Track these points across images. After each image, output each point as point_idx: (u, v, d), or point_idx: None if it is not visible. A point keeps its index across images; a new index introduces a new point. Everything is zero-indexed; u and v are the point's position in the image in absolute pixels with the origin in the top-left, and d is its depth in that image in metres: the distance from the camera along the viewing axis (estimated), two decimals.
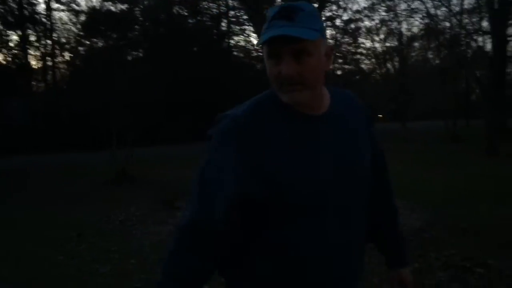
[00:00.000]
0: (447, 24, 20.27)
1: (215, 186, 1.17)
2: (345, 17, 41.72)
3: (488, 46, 21.42)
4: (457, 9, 21.33)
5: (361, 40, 40.95)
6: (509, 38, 24.10)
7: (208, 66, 28.78)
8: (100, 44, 23.96)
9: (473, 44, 21.13)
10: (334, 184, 1.19)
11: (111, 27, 23.97)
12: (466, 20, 20.95)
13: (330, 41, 43.45)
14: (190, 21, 33.53)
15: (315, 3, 8.77)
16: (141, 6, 28.99)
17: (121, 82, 11.17)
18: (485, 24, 21.30)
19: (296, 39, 1.10)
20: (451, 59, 21.44)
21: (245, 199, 1.15)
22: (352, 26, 42.05)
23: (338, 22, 42.17)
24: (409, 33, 30.56)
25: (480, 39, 22.38)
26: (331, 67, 1.23)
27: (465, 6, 22.26)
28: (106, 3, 27.37)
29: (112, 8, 27.70)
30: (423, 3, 20.81)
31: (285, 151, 1.16)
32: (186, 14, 33.18)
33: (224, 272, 1.30)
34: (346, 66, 46.03)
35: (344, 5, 40.82)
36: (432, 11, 19.96)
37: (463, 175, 9.83)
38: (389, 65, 33.57)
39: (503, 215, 5.92)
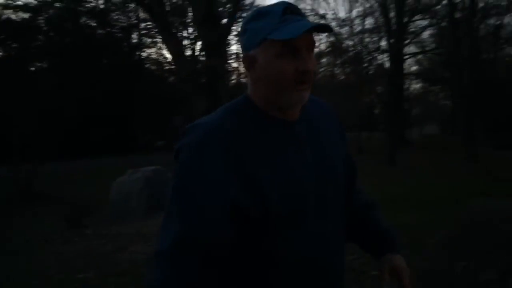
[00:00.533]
0: (350, 42, 21.53)
1: (204, 198, 1.07)
2: None
3: (387, 64, 22.99)
4: (359, 28, 22.69)
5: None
6: (405, 57, 26.12)
7: (119, 78, 28.01)
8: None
9: (374, 61, 22.60)
10: (315, 189, 1.17)
11: (11, 36, 22.54)
12: (368, 39, 22.37)
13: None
14: (99, 31, 32.46)
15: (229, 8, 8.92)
16: (45, 15, 27.58)
17: (23, 92, 10.53)
18: (384, 43, 22.86)
19: (326, 28, 1.11)
20: (354, 75, 22.75)
21: (234, 207, 1.08)
22: None
23: None
24: (317, 49, 31.99)
25: (380, 57, 24.01)
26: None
27: (366, 26, 23.74)
28: (6, 11, 25.67)
29: (13, 17, 26.05)
30: (326, 20, 21.86)
31: (266, 156, 1.11)
32: (94, 24, 32.10)
33: None
34: None
35: None
36: (337, 29, 21.11)
37: (363, 184, 10.39)
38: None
39: (400, 222, 6.34)
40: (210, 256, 1.07)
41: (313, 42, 1.11)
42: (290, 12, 1.10)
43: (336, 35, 20.63)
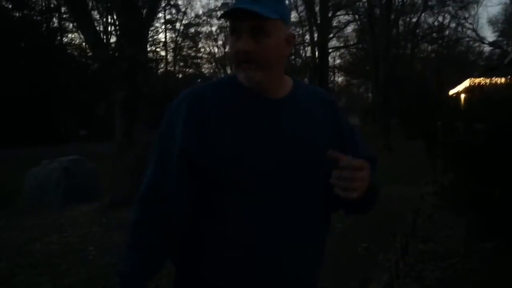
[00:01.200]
0: None
1: (166, 143, 1.22)
2: (185, 21, 42.04)
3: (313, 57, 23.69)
4: None
5: (201, 44, 41.68)
6: (330, 50, 27.02)
7: (38, 64, 26.58)
8: None
9: (302, 54, 23.23)
10: (279, 169, 1.18)
11: None
12: (294, 32, 22.88)
13: (171, 44, 43.62)
14: (15, 14, 30.53)
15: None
16: None
17: None
18: (308, 37, 23.54)
19: (254, 15, 1.12)
20: None
21: (191, 158, 1.18)
22: (192, 30, 43.05)
23: (178, 25, 42.95)
24: None
25: (305, 49, 24.70)
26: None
27: (292, 20, 24.26)
28: None
29: None
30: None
31: (231, 127, 1.18)
32: (9, 6, 30.13)
33: (175, 257, 1.30)
34: (187, 70, 46.83)
35: (184, 9, 41.76)
36: None
37: None
38: (228, 70, 34.94)
39: None
40: (171, 203, 1.20)
41: (256, 25, 1.14)
42: None
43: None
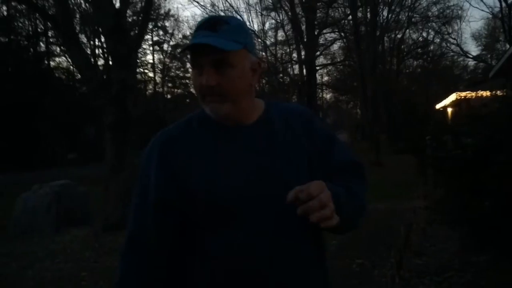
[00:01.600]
0: (263, 54, 22.13)
1: (143, 194, 1.21)
2: (172, 42, 42.32)
3: (300, 74, 23.91)
4: (272, 40, 23.47)
5: (189, 65, 41.82)
6: (317, 68, 27.29)
7: (25, 89, 26.47)
8: None
9: (287, 72, 23.42)
10: (248, 194, 1.16)
11: None
12: (280, 51, 23.13)
13: (159, 66, 43.78)
14: (1, 39, 30.49)
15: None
16: None
17: None
18: (295, 55, 23.79)
19: (216, 49, 1.10)
20: (269, 85, 23.39)
21: (167, 205, 1.18)
22: (180, 51, 43.19)
23: (165, 47, 43.21)
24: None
25: (293, 67, 24.93)
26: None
27: (279, 38, 24.58)
28: None
29: None
30: None
31: (203, 163, 1.18)
32: None
33: None
34: (176, 90, 46.93)
35: (171, 31, 42.07)
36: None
37: None
38: None
39: None
40: (152, 253, 1.18)
41: (218, 59, 1.13)
42: (203, 28, 1.15)
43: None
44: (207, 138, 1.22)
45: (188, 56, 1.22)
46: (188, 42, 1.27)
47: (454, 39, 33.19)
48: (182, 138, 1.23)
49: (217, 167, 1.18)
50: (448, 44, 33.81)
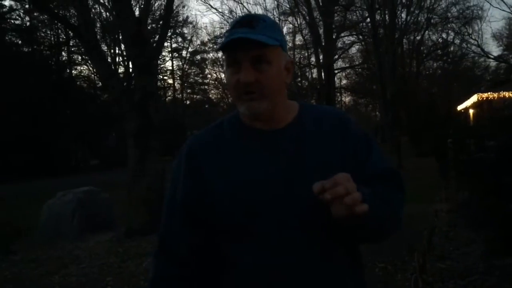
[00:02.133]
0: None
1: (173, 198, 1.23)
2: (191, 48, 42.71)
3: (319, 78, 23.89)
4: (290, 44, 23.47)
5: (207, 71, 42.23)
6: (336, 71, 27.19)
7: (48, 98, 27.00)
8: None
9: (306, 76, 23.40)
10: (274, 205, 1.13)
11: None
12: (298, 55, 23.12)
13: (178, 72, 44.22)
14: (25, 49, 31.20)
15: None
16: None
17: None
18: (313, 59, 23.77)
19: (256, 44, 1.09)
20: (288, 90, 23.36)
21: (193, 211, 1.19)
22: (198, 57, 43.67)
23: (184, 53, 43.62)
24: None
25: (312, 71, 24.92)
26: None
27: (297, 42, 24.60)
28: None
29: None
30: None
31: (227, 167, 1.17)
32: (19, 42, 30.83)
33: None
34: (195, 96, 47.33)
35: (190, 37, 42.46)
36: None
37: None
38: None
39: None
40: (182, 255, 1.20)
41: (257, 54, 1.12)
42: (240, 25, 1.13)
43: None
44: (237, 144, 1.21)
45: (220, 55, 1.21)
46: (219, 43, 1.24)
47: (475, 39, 32.64)
48: (211, 144, 1.22)
49: (244, 176, 1.16)
50: (469, 45, 33.29)
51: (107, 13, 22.64)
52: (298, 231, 1.13)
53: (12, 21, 30.48)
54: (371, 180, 1.18)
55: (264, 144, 1.19)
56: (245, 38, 1.09)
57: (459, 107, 20.77)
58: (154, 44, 8.74)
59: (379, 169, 1.24)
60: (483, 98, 16.71)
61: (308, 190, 1.08)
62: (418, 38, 30.73)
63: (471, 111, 19.07)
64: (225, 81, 1.27)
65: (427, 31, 29.92)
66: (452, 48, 35.05)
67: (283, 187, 1.14)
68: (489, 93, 16.98)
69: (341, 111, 1.36)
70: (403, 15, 22.62)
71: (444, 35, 33.01)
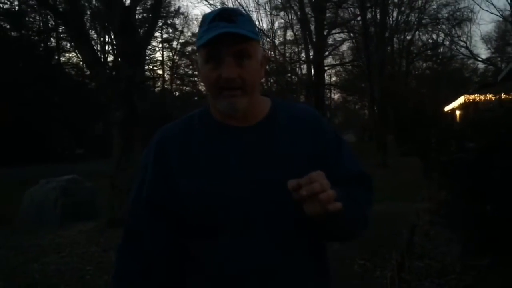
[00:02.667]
0: (272, 53, 22.12)
1: (139, 190, 1.20)
2: (181, 39, 42.42)
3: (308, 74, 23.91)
4: (281, 39, 23.47)
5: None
6: (325, 68, 27.21)
7: (35, 84, 26.69)
8: None
9: (298, 71, 23.39)
10: (242, 201, 1.12)
11: None
12: (289, 51, 23.09)
13: (168, 63, 43.92)
14: (13, 34, 30.76)
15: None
16: None
17: None
18: (303, 54, 23.77)
19: (240, 39, 1.07)
20: (277, 85, 23.38)
21: (158, 205, 1.16)
22: (189, 48, 43.42)
23: (174, 44, 43.34)
24: None
25: (301, 67, 24.93)
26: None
27: (288, 38, 24.56)
28: None
29: None
30: None
31: (195, 162, 1.15)
32: (8, 27, 30.39)
33: None
34: (184, 88, 47.09)
35: (180, 28, 42.17)
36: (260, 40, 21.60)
37: None
38: None
39: None
40: (147, 248, 1.16)
41: (241, 49, 1.09)
42: (219, 19, 1.09)
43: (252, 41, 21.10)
44: (206, 138, 1.18)
45: (195, 51, 1.18)
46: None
47: (464, 41, 32.97)
48: (180, 138, 1.20)
49: (212, 171, 1.14)
50: (458, 47, 33.61)
51: (97, 1, 22.41)
52: (264, 230, 1.12)
53: (1, 6, 30.02)
54: (342, 181, 1.17)
55: (235, 141, 1.17)
56: (230, 33, 1.06)
57: (447, 108, 20.95)
58: (143, 34, 8.66)
59: (350, 171, 1.24)
60: (469, 99, 16.87)
61: (276, 189, 1.09)
62: (409, 38, 30.91)
63: (457, 112, 19.25)
64: None
65: (417, 31, 30.12)
66: (441, 49, 35.32)
67: (251, 186, 1.13)
68: (476, 95, 17.15)
69: (313, 110, 1.33)
70: (394, 14, 22.75)
71: (434, 36, 33.25)
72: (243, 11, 1.26)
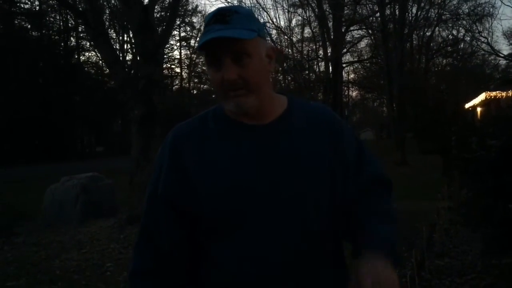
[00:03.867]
0: (289, 51, 22.07)
1: (155, 188, 1.19)
2: (199, 38, 42.61)
3: (327, 72, 23.80)
4: (299, 37, 23.37)
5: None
6: (343, 65, 27.04)
7: (55, 83, 27.13)
8: None
9: (316, 69, 23.30)
10: (257, 200, 1.11)
11: None
12: (307, 48, 23.00)
13: (186, 61, 44.18)
14: (34, 34, 31.29)
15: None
16: None
17: None
18: (321, 52, 23.63)
19: (232, 40, 1.07)
20: (294, 82, 23.31)
21: (173, 203, 1.16)
22: None
23: (192, 42, 43.56)
24: None
25: (321, 64, 24.80)
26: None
27: (306, 35, 24.45)
28: None
29: None
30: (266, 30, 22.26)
31: (209, 160, 1.15)
32: (29, 26, 30.92)
33: None
34: (202, 86, 47.34)
35: (198, 26, 42.37)
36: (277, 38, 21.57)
37: None
38: None
39: None
40: (163, 246, 1.16)
41: (236, 50, 1.09)
42: (214, 21, 1.10)
43: (275, 42, 21.11)
44: (220, 136, 1.18)
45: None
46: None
47: (485, 37, 32.41)
48: (194, 136, 1.19)
49: (227, 170, 1.13)
50: (479, 43, 33.04)
51: (116, 0, 22.64)
52: (284, 230, 1.12)
53: (22, 6, 30.55)
54: (368, 188, 1.22)
55: (250, 139, 1.17)
56: (223, 37, 1.06)
57: (467, 105, 20.67)
58: (162, 32, 8.72)
59: (372, 175, 1.26)
60: (491, 96, 16.61)
61: (295, 188, 1.12)
62: (428, 34, 30.52)
63: (478, 109, 18.96)
64: None
65: (437, 27, 29.71)
66: (462, 45, 34.79)
67: (269, 184, 1.12)
68: (497, 91, 16.87)
69: (330, 110, 1.32)
70: (414, 10, 22.46)
71: (454, 32, 32.76)
72: (243, 6, 1.24)
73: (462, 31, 32.06)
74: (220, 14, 1.12)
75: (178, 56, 43.76)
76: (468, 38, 32.83)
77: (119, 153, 26.84)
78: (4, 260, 5.57)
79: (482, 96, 17.80)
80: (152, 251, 1.18)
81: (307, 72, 25.23)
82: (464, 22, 29.31)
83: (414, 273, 4.02)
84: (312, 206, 1.14)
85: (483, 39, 32.52)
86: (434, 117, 12.12)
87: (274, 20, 22.56)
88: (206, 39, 1.07)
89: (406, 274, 4.22)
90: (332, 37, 21.72)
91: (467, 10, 27.76)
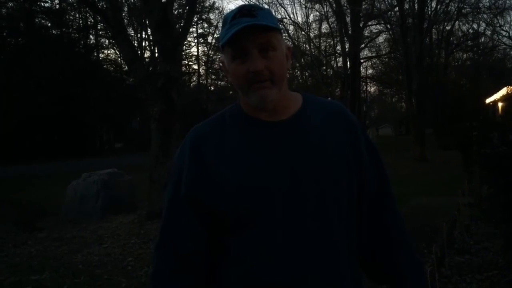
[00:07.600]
0: (307, 46, 21.95)
1: (176, 188, 1.20)
2: (216, 34, 42.73)
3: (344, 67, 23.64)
4: (316, 32, 23.23)
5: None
6: (361, 60, 26.81)
7: (75, 80, 27.48)
8: None
9: (331, 65, 23.13)
10: (278, 196, 1.13)
11: None
12: (324, 44, 22.84)
13: (203, 58, 44.33)
14: (54, 32, 31.73)
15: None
16: None
17: None
18: (339, 47, 23.45)
19: (262, 31, 1.09)
20: (312, 78, 23.20)
21: (196, 202, 1.17)
22: None
23: (210, 39, 43.71)
24: None
25: (339, 60, 24.63)
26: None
27: (323, 31, 24.29)
28: None
29: None
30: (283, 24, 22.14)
31: (230, 158, 1.16)
32: (49, 25, 31.36)
33: None
34: (219, 82, 47.45)
35: (215, 23, 42.45)
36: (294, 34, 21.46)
37: None
38: None
39: None
40: (184, 246, 1.17)
41: (264, 41, 1.11)
42: (240, 15, 1.11)
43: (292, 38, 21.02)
44: (239, 135, 1.19)
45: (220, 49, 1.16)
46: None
47: (507, 31, 31.87)
48: (213, 135, 1.20)
49: (247, 167, 1.14)
50: (500, 37, 32.39)
51: None
52: (301, 228, 1.13)
53: (42, 4, 31.00)
54: (371, 191, 1.27)
55: (269, 135, 1.18)
56: (252, 26, 1.08)
57: (488, 100, 20.32)
58: (180, 30, 8.77)
59: (382, 183, 1.31)
60: None
61: (315, 182, 1.14)
62: (448, 28, 30.04)
63: (500, 104, 18.64)
64: None
65: (457, 21, 29.21)
66: (482, 39, 34.13)
67: (289, 178, 1.14)
68: None
69: (343, 106, 1.34)
70: (433, 4, 22.14)
71: (475, 26, 32.16)
72: (263, 6, 1.30)
73: (483, 25, 31.43)
74: (246, 9, 1.14)
75: (196, 53, 43.92)
76: (489, 32, 32.16)
77: (138, 150, 27.12)
78: (28, 255, 5.70)
79: (503, 91, 17.49)
80: (173, 252, 1.18)
81: (324, 67, 25.06)
82: (485, 15, 28.69)
83: (434, 269, 3.99)
84: (332, 201, 1.16)
85: (504, 33, 32.00)
86: (454, 113, 11.97)
87: (292, 15, 22.46)
88: (239, 27, 1.08)
89: (426, 270, 4.21)
90: (350, 32, 21.54)
91: (488, 4, 27.16)
